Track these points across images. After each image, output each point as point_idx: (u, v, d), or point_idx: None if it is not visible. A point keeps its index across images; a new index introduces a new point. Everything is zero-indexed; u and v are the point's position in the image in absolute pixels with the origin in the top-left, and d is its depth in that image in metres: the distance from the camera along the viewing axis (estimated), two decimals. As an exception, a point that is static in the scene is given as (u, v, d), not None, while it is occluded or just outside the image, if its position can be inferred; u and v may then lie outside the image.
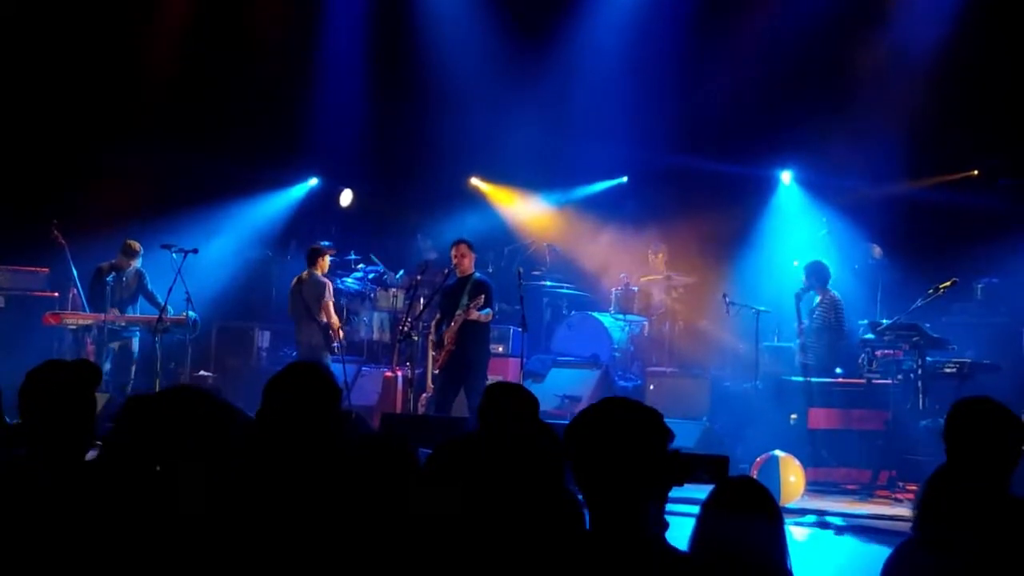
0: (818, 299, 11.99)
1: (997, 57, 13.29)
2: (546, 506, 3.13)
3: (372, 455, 3.27)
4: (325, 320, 12.61)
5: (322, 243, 14.74)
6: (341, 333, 12.80)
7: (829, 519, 9.28)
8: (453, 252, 11.72)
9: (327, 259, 13.01)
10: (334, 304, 12.77)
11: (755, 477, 7.37)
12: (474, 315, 11.30)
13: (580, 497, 3.08)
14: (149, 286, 13.13)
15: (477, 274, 11.79)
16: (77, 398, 3.50)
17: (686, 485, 3.86)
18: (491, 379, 11.65)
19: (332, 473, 3.26)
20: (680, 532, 3.82)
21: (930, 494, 3.46)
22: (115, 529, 3.03)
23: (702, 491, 3.76)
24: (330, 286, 12.82)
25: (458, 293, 11.57)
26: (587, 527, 2.99)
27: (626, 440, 2.95)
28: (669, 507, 3.85)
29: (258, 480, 3.41)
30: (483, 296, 11.35)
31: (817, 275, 12.03)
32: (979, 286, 12.48)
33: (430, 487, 3.27)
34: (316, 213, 16.40)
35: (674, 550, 3.02)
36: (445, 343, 11.44)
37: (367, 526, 3.14)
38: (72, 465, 3.41)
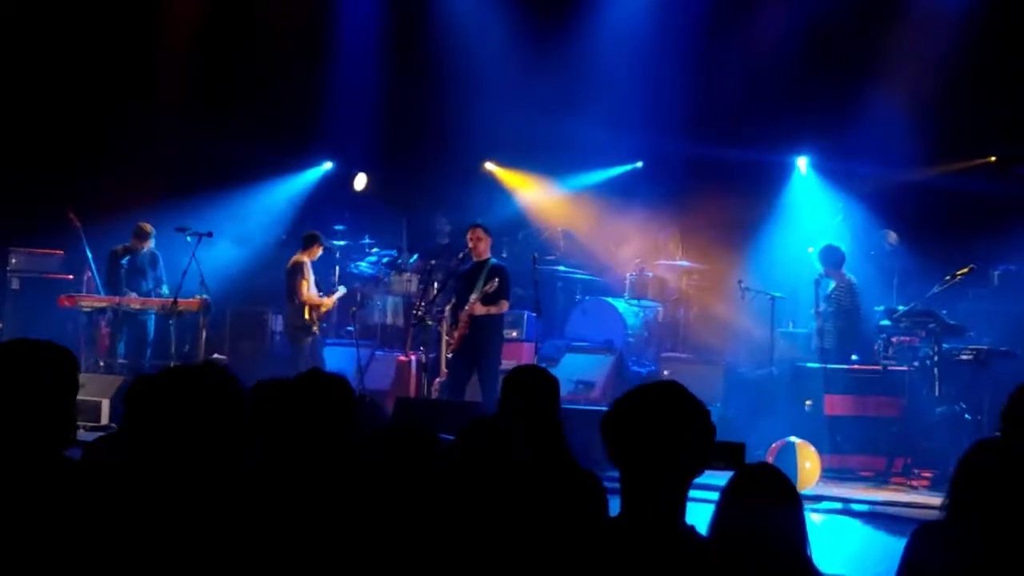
0: (833, 284, 11.95)
1: (1015, 42, 13.20)
2: (570, 488, 3.10)
3: (394, 445, 3.25)
4: (301, 301, 12.74)
5: (334, 227, 14.79)
6: (317, 311, 12.89)
7: (844, 505, 9.26)
8: (469, 236, 11.70)
9: (317, 248, 13.08)
10: (312, 283, 12.89)
11: (771, 463, 7.35)
12: (480, 310, 11.31)
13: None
14: (161, 270, 13.17)
15: (493, 259, 11.77)
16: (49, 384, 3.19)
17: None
18: (505, 364, 11.65)
19: (351, 465, 3.24)
20: (696, 518, 3.81)
21: (964, 475, 3.42)
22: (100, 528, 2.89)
23: (718, 477, 3.73)
24: (305, 266, 12.89)
25: (473, 278, 11.55)
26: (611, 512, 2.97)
27: (677, 426, 2.91)
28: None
29: (272, 469, 3.38)
30: (496, 280, 11.33)
31: (830, 258, 11.99)
32: (996, 273, 12.41)
33: (455, 471, 3.24)
34: (330, 197, 16.38)
35: (705, 541, 2.99)
36: (459, 327, 11.43)
37: (392, 514, 3.12)
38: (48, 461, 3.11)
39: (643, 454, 2.88)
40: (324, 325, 13.31)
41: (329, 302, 13.02)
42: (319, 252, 13.11)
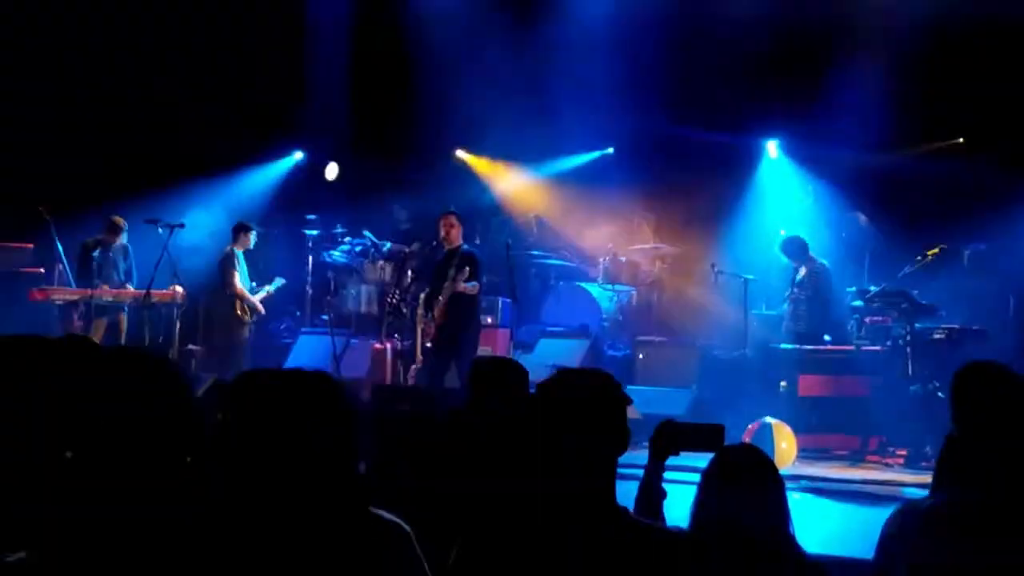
0: (804, 270, 12.05)
1: (982, 24, 13.28)
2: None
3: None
4: (232, 292, 12.92)
5: (307, 216, 14.77)
6: (248, 303, 13.03)
7: (821, 484, 9.33)
8: (441, 223, 11.71)
9: (248, 235, 13.25)
10: (237, 274, 13.04)
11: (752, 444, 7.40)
12: (460, 287, 11.32)
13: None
14: (132, 262, 13.13)
15: (465, 246, 11.79)
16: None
17: (682, 454, 3.87)
18: (481, 350, 11.68)
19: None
20: (678, 500, 3.84)
21: (948, 456, 3.46)
22: None
23: (700, 459, 3.76)
24: (235, 257, 13.05)
25: (446, 265, 11.57)
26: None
27: (579, 409, 2.97)
28: (667, 475, 3.87)
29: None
30: (468, 268, 11.35)
31: (793, 249, 12.13)
32: (967, 252, 12.49)
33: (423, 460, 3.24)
34: (302, 186, 16.33)
35: (640, 521, 3.01)
36: (435, 316, 11.44)
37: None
38: None
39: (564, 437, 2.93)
40: (298, 314, 13.30)
41: (257, 301, 13.18)
42: (250, 242, 13.22)
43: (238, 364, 12.23)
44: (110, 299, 12.78)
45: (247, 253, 13.31)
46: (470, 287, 11.39)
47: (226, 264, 13.00)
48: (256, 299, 13.12)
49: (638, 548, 2.86)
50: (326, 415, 2.68)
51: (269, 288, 13.33)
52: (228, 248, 13.11)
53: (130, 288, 12.88)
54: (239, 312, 12.94)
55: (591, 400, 2.98)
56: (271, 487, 2.62)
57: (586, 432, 2.93)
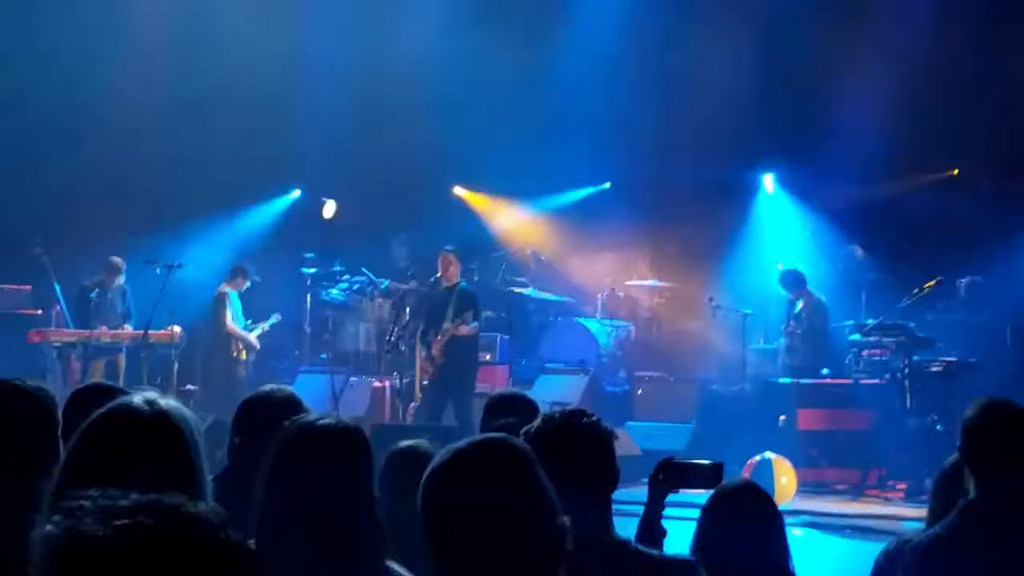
0: (801, 303, 12.07)
1: (975, 57, 13.37)
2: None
3: None
4: (225, 332, 13.03)
5: (305, 255, 14.78)
6: (244, 342, 13.07)
7: (822, 520, 9.32)
8: (439, 261, 11.73)
9: (244, 279, 13.36)
10: (229, 313, 13.12)
11: (751, 480, 7.40)
12: (463, 330, 11.35)
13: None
14: (130, 304, 13.14)
15: (463, 283, 11.81)
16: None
17: (682, 491, 3.88)
18: (479, 387, 11.68)
19: None
20: (678, 536, 3.83)
21: (944, 488, 3.46)
22: None
23: (700, 496, 3.76)
24: (227, 297, 13.13)
25: (444, 303, 11.58)
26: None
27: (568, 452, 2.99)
28: (667, 512, 3.87)
29: None
30: (470, 312, 11.39)
31: (791, 282, 12.17)
32: (963, 284, 12.54)
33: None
34: (300, 225, 16.34)
35: (644, 551, 3.04)
36: (434, 355, 11.44)
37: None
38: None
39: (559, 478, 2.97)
40: (297, 353, 13.30)
41: (253, 337, 13.22)
42: (244, 285, 13.30)
43: (237, 403, 12.16)
44: (108, 340, 12.78)
45: (243, 292, 13.33)
46: (470, 328, 11.43)
47: (217, 304, 13.07)
48: (252, 336, 13.12)
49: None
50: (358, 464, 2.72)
51: (264, 325, 13.35)
52: (221, 288, 13.13)
53: (129, 328, 12.88)
54: (234, 352, 12.97)
55: (576, 443, 3.02)
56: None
57: (575, 476, 2.95)
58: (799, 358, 11.89)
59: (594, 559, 2.89)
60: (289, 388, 4.15)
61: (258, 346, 13.23)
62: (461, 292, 11.62)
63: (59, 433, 3.20)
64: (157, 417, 2.40)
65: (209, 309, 13.16)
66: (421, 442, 4.19)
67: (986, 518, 3.34)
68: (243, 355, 13.03)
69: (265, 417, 3.63)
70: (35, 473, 2.90)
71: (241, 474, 3.39)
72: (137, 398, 2.45)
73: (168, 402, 2.45)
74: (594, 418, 3.12)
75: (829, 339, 12.02)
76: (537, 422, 3.13)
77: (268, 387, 4.16)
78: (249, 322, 13.29)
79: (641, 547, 3.12)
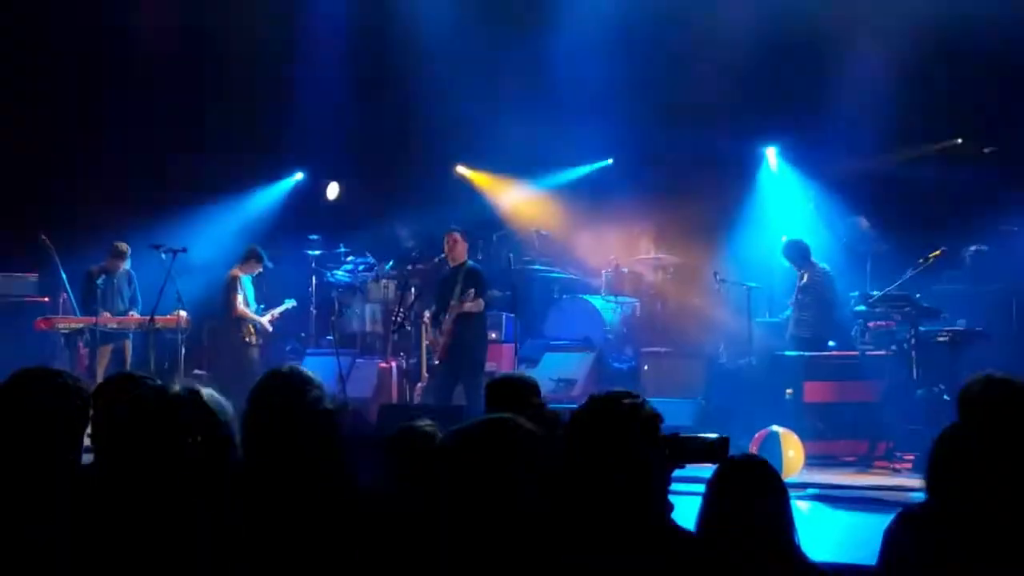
0: (806, 275, 12.05)
1: (978, 24, 13.30)
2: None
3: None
4: (236, 316, 12.91)
5: (309, 236, 14.79)
6: (254, 326, 12.95)
7: (830, 492, 9.32)
8: (446, 240, 11.73)
9: (257, 263, 13.23)
10: (239, 297, 12.98)
11: (755, 453, 7.41)
12: (467, 306, 11.34)
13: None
14: (136, 288, 13.14)
15: (469, 262, 11.82)
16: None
17: (688, 466, 3.89)
18: (487, 366, 11.70)
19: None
20: (685, 512, 3.85)
21: (939, 459, 3.46)
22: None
23: (706, 470, 3.77)
24: (238, 280, 13.00)
25: (451, 282, 11.59)
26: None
27: (616, 436, 3.08)
28: (673, 487, 3.88)
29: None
30: (474, 287, 11.38)
31: (795, 253, 12.14)
32: (968, 254, 12.51)
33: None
34: (303, 207, 16.36)
35: (680, 530, 3.07)
36: (443, 334, 11.46)
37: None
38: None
39: (595, 466, 3.01)
40: (303, 335, 13.28)
41: (265, 321, 13.08)
42: (257, 269, 13.21)
43: (247, 386, 12.16)
44: (115, 326, 12.79)
45: (254, 277, 13.29)
46: (474, 304, 11.42)
47: (228, 288, 12.99)
48: (264, 319, 13.07)
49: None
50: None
51: (275, 311, 13.31)
52: (232, 272, 13.10)
53: (135, 314, 12.88)
54: (245, 335, 12.93)
55: (624, 427, 3.09)
56: None
57: (624, 459, 2.99)
58: (807, 329, 11.86)
59: (636, 539, 2.93)
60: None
61: (270, 330, 13.17)
62: (468, 271, 11.62)
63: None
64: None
65: (220, 293, 13.12)
66: (425, 423, 4.22)
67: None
68: (253, 339, 12.98)
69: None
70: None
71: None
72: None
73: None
74: (637, 400, 3.20)
75: (837, 310, 11.99)
76: (581, 406, 3.21)
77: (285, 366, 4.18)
78: (262, 307, 13.25)
79: (680, 526, 3.19)
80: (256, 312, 13.12)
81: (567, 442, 3.13)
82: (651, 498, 3.13)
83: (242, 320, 12.92)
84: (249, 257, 13.19)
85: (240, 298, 12.92)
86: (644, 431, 3.17)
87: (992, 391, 3.80)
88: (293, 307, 13.64)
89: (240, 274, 13.05)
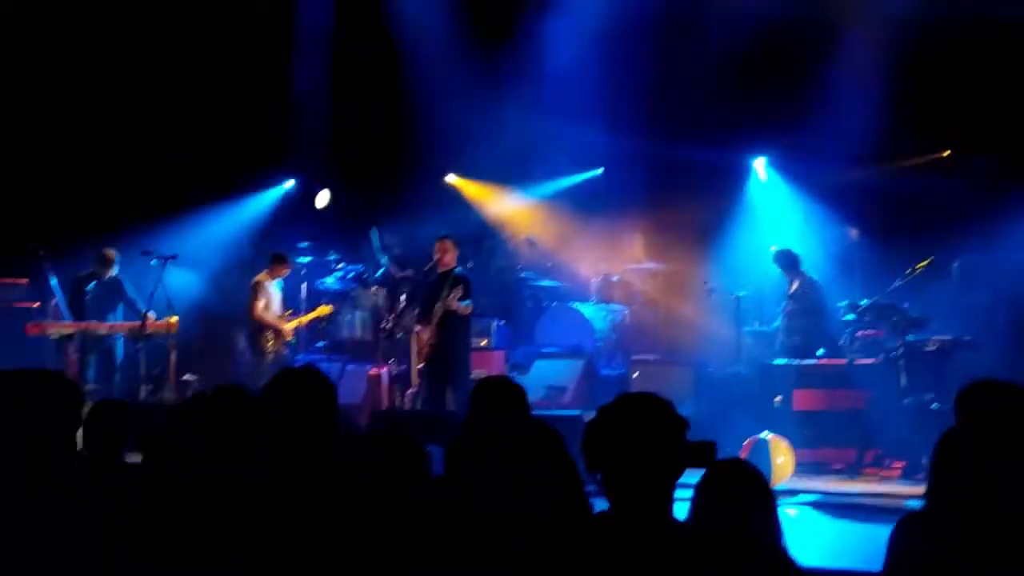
0: (796, 283, 12.10)
1: (964, 37, 13.38)
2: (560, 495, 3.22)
3: (385, 454, 3.30)
4: (255, 320, 12.78)
5: (299, 244, 14.80)
6: (275, 332, 12.82)
7: (819, 498, 9.36)
8: (436, 247, 11.74)
9: (281, 268, 13.08)
10: (273, 303, 12.87)
11: (745, 459, 7.42)
12: (454, 305, 11.33)
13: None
14: (130, 293, 13.07)
15: (458, 269, 11.84)
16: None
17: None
18: (476, 372, 11.72)
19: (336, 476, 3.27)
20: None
21: (941, 461, 3.49)
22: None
23: (691, 475, 3.79)
24: (262, 285, 12.86)
25: (438, 288, 11.61)
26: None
27: (650, 435, 3.16)
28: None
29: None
30: (461, 288, 11.39)
31: (785, 262, 12.20)
32: (956, 264, 12.55)
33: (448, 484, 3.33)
34: (294, 214, 16.37)
35: (695, 532, 3.13)
36: (428, 335, 11.47)
37: (382, 525, 3.16)
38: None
39: (622, 464, 3.06)
40: (294, 342, 13.22)
41: (287, 328, 12.93)
42: (284, 272, 13.09)
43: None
44: (105, 332, 12.78)
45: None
46: (463, 306, 11.43)
47: (252, 291, 12.83)
48: (288, 326, 12.93)
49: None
50: None
51: (303, 318, 13.23)
52: (259, 276, 12.96)
53: (152, 316, 12.70)
54: (263, 342, 12.79)
55: (654, 428, 3.18)
56: None
57: (651, 459, 3.10)
58: (798, 337, 11.92)
59: (651, 540, 3.00)
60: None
61: (288, 338, 12.98)
62: (455, 276, 11.64)
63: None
64: None
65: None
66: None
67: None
68: (271, 345, 12.79)
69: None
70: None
71: None
72: None
73: None
74: (660, 406, 3.27)
75: (827, 319, 12.04)
76: (606, 409, 3.27)
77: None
78: (289, 312, 13.16)
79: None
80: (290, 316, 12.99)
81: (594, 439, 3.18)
82: (671, 496, 3.19)
83: (262, 325, 12.83)
84: (273, 262, 13.06)
85: (261, 303, 12.75)
86: (675, 432, 3.23)
87: (991, 394, 3.84)
88: (331, 313, 13.54)
89: (264, 279, 12.91)
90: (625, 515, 3.09)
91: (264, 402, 3.61)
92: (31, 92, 14.72)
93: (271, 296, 12.89)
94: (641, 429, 3.16)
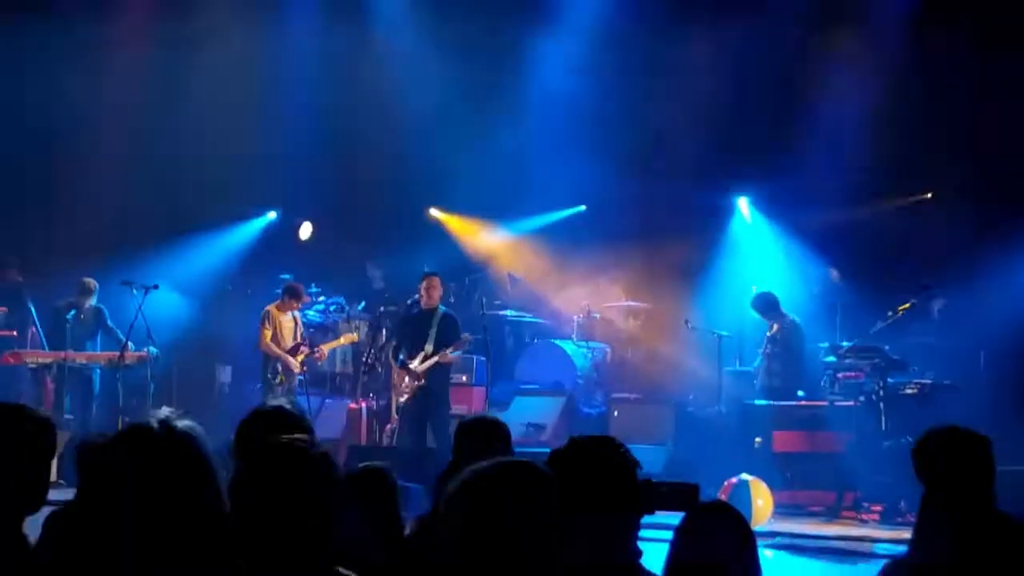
0: (776, 326, 12.12)
1: (947, 80, 13.49)
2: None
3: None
4: (261, 350, 12.67)
5: (281, 276, 14.74)
6: (282, 364, 12.65)
7: (797, 541, 9.34)
8: (424, 284, 11.68)
9: (291, 302, 12.85)
10: (268, 333, 12.62)
11: (724, 500, 7.40)
12: (450, 359, 11.45)
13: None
14: (109, 322, 13.00)
15: (443, 308, 11.82)
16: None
17: (657, 513, 3.89)
18: (456, 408, 11.69)
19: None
20: (653, 559, 3.84)
21: (924, 516, 3.49)
22: None
23: (674, 517, 3.77)
24: (268, 315, 12.68)
25: (424, 325, 11.58)
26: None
27: (596, 478, 3.13)
28: (641, 534, 3.88)
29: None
30: (458, 342, 11.45)
31: (764, 305, 12.22)
32: (936, 307, 12.61)
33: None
34: (276, 246, 16.32)
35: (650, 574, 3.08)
36: (416, 376, 11.42)
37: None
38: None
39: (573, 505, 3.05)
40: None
41: (293, 361, 12.71)
42: (294, 306, 12.85)
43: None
44: (83, 361, 12.71)
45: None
46: (455, 357, 11.58)
47: (260, 322, 12.69)
48: (295, 359, 12.75)
49: None
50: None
51: (322, 347, 13.05)
52: (268, 306, 12.82)
53: (131, 346, 12.58)
54: (269, 374, 12.58)
55: (605, 473, 3.17)
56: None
57: (604, 506, 3.09)
58: (778, 379, 11.94)
59: None
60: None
61: (295, 370, 12.69)
62: (444, 317, 11.63)
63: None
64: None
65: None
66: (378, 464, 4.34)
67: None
68: (277, 379, 12.52)
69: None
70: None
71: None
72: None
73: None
74: (620, 448, 3.28)
75: (805, 361, 12.06)
76: (563, 447, 3.27)
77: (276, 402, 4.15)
78: (304, 341, 12.97)
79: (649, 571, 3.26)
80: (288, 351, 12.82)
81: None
82: (625, 542, 3.16)
83: (267, 357, 12.67)
84: (284, 293, 12.92)
85: (269, 334, 12.60)
86: (622, 476, 3.20)
87: (947, 443, 3.87)
88: (354, 342, 13.49)
89: (274, 310, 12.76)
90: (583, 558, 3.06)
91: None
92: (12, 121, 14.67)
93: (280, 326, 12.70)
94: (583, 473, 3.15)
